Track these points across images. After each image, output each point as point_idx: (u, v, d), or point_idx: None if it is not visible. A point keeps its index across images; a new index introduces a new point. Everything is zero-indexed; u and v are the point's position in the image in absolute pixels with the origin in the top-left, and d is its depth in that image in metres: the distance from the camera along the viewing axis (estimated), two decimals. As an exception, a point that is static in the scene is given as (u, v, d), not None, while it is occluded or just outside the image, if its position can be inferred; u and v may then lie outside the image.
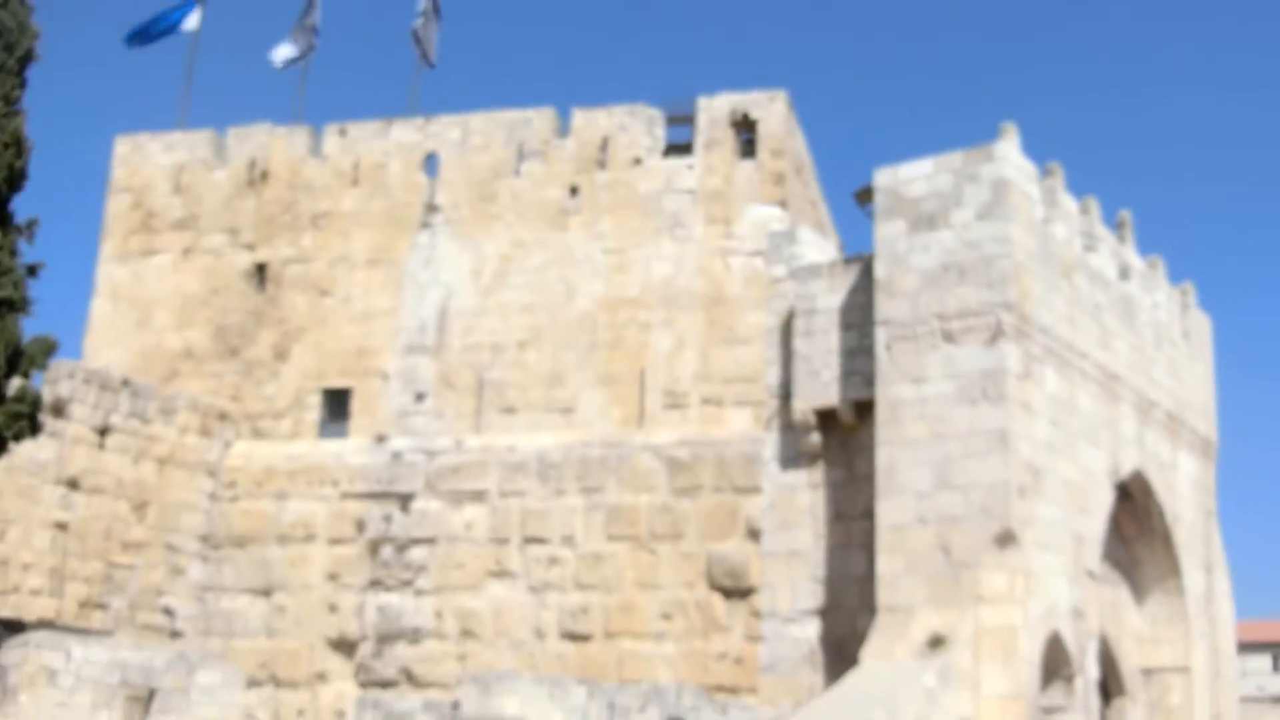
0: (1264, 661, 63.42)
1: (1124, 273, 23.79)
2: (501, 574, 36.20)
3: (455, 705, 26.77)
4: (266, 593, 37.59)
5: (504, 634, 35.60)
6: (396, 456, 37.74)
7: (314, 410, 39.40)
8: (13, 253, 23.09)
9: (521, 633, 35.51)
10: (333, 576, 37.31)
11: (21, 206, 23.71)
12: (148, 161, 42.89)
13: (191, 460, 38.09)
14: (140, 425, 36.92)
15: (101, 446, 35.97)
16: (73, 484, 35.13)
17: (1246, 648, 49.51)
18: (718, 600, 34.34)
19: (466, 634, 35.93)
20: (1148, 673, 24.14)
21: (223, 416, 39.22)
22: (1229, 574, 26.72)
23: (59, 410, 34.23)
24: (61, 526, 34.72)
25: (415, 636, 36.29)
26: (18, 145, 23.23)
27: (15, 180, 23.40)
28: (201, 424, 38.57)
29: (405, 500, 37.30)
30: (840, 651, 20.60)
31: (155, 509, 37.02)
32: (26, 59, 23.78)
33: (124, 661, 23.94)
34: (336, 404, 39.33)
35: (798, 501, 22.17)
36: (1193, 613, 24.44)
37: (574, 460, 36.36)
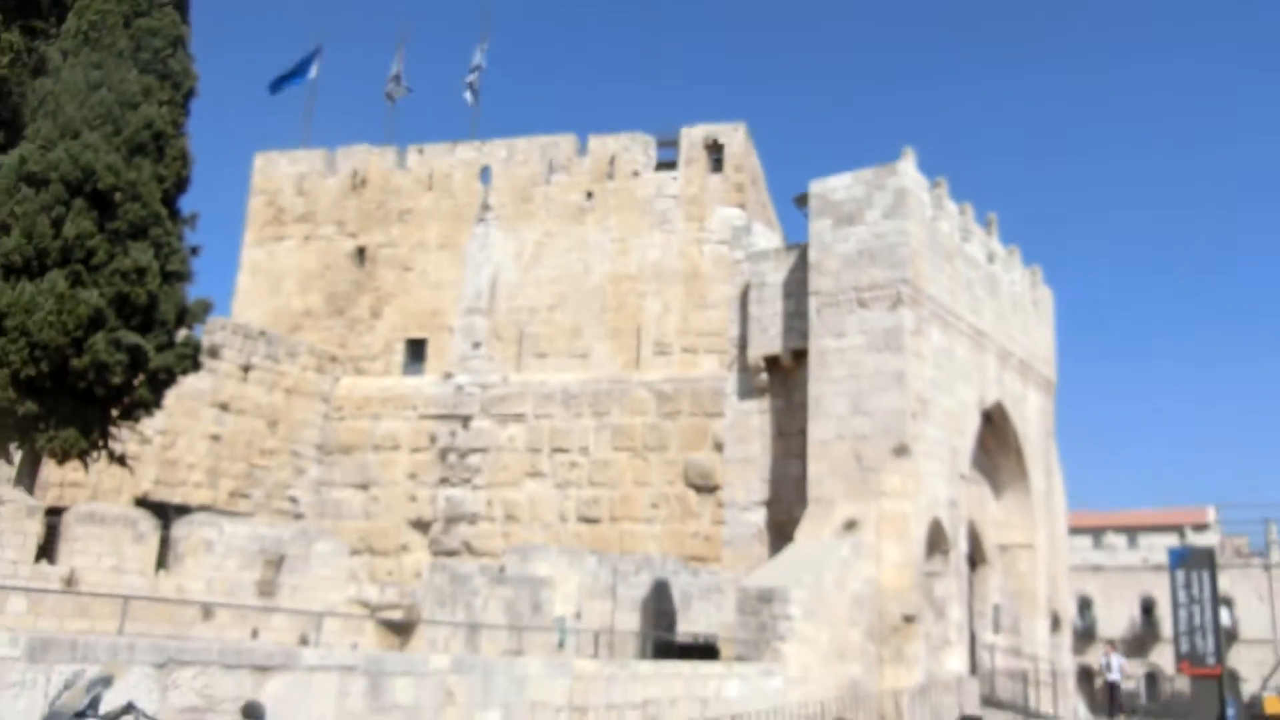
0: (1086, 541, 63.65)
1: (990, 258, 23.69)
2: (535, 474, 36.33)
3: (501, 568, 26.95)
4: (365, 487, 37.71)
5: (537, 518, 35.77)
6: (459, 388, 37.79)
7: (399, 355, 39.43)
8: (180, 238, 23.02)
9: (549, 517, 35.67)
10: (413, 475, 37.43)
11: (185, 204, 23.68)
12: (278, 171, 42.68)
13: (310, 390, 38.11)
14: (273, 364, 36.91)
15: (245, 380, 35.99)
16: (224, 407, 35.18)
17: (1074, 531, 49.76)
18: (692, 494, 34.50)
19: (510, 518, 36.10)
20: (1003, 548, 24.25)
21: (333, 359, 39.20)
22: (1062, 477, 26.80)
23: (214, 353, 34.21)
24: (216, 438, 34.79)
25: (472, 519, 36.47)
26: (183, 159, 23.13)
27: (182, 185, 23.33)
28: (317, 364, 38.57)
29: (465, 420, 37.36)
30: (780, 531, 20.67)
31: (284, 425, 37.08)
32: (189, 95, 23.63)
33: (262, 535, 24.06)
34: (416, 350, 39.37)
35: (751, 423, 22.18)
36: (1036, 505, 24.53)
37: (588, 392, 36.42)
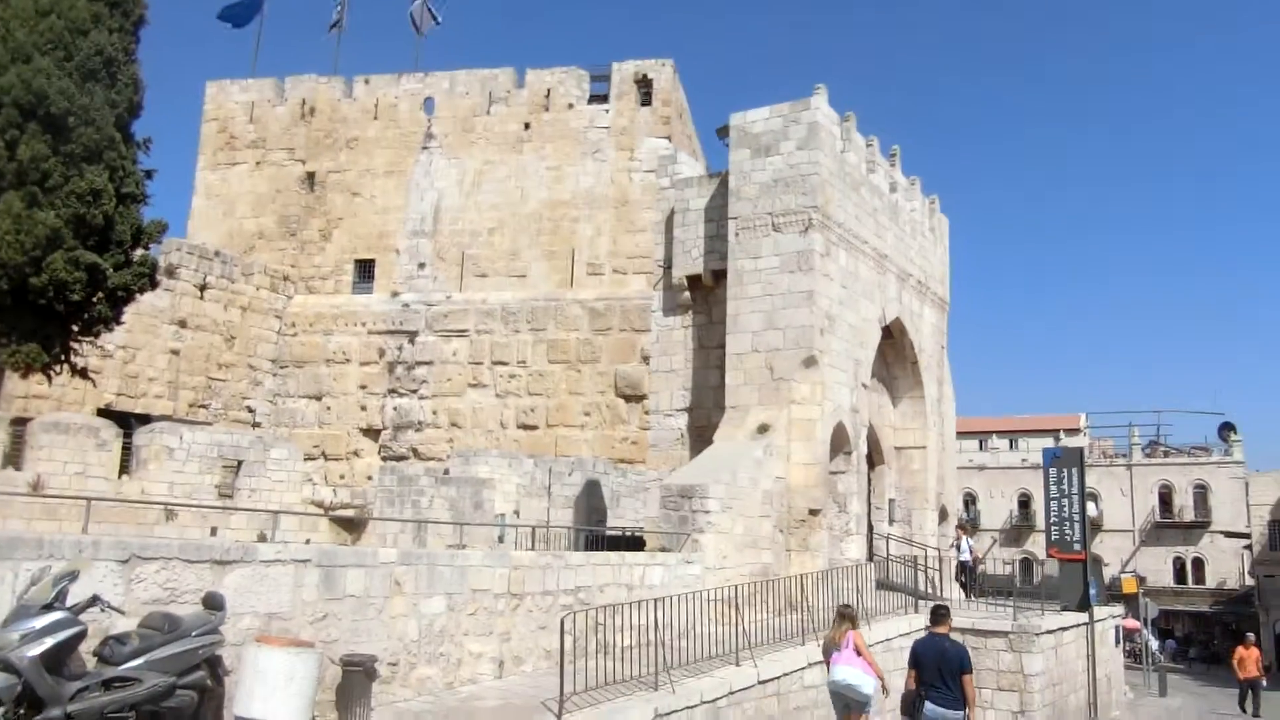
0: (973, 443, 65.45)
1: (893, 187, 23.80)
2: (477, 385, 36.20)
3: (446, 471, 26.96)
4: (318, 397, 37.29)
5: (479, 425, 35.74)
6: (406, 306, 37.31)
7: (349, 274, 38.71)
8: (134, 161, 22.15)
9: (490, 424, 35.67)
10: (363, 386, 37.09)
11: (138, 129, 22.74)
12: (229, 99, 41.16)
13: (264, 308, 37.34)
14: (229, 283, 36.04)
15: (202, 298, 35.13)
16: (182, 323, 34.35)
17: (962, 434, 51.13)
18: (621, 403, 34.69)
19: (453, 425, 36.02)
20: (898, 449, 24.82)
21: (286, 278, 38.37)
22: (953, 386, 27.39)
23: (171, 272, 33.28)
24: (175, 352, 34.03)
25: (419, 427, 36.32)
26: (135, 85, 22.14)
27: (134, 110, 22.36)
28: (271, 283, 37.73)
29: (412, 336, 36.98)
30: (700, 435, 20.91)
31: (240, 341, 36.36)
32: (139, 23, 22.54)
33: (220, 441, 23.72)
34: (364, 270, 38.66)
35: (674, 337, 22.25)
36: (929, 411, 25.07)
37: (526, 309, 36.21)
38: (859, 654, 10.63)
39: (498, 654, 12.85)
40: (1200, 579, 55.56)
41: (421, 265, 37.86)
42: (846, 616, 11.13)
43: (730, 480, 17.49)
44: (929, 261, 25.73)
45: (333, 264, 38.76)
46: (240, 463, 23.21)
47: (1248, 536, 53.30)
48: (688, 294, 22.02)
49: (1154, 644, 32.82)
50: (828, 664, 10.68)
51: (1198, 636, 54.55)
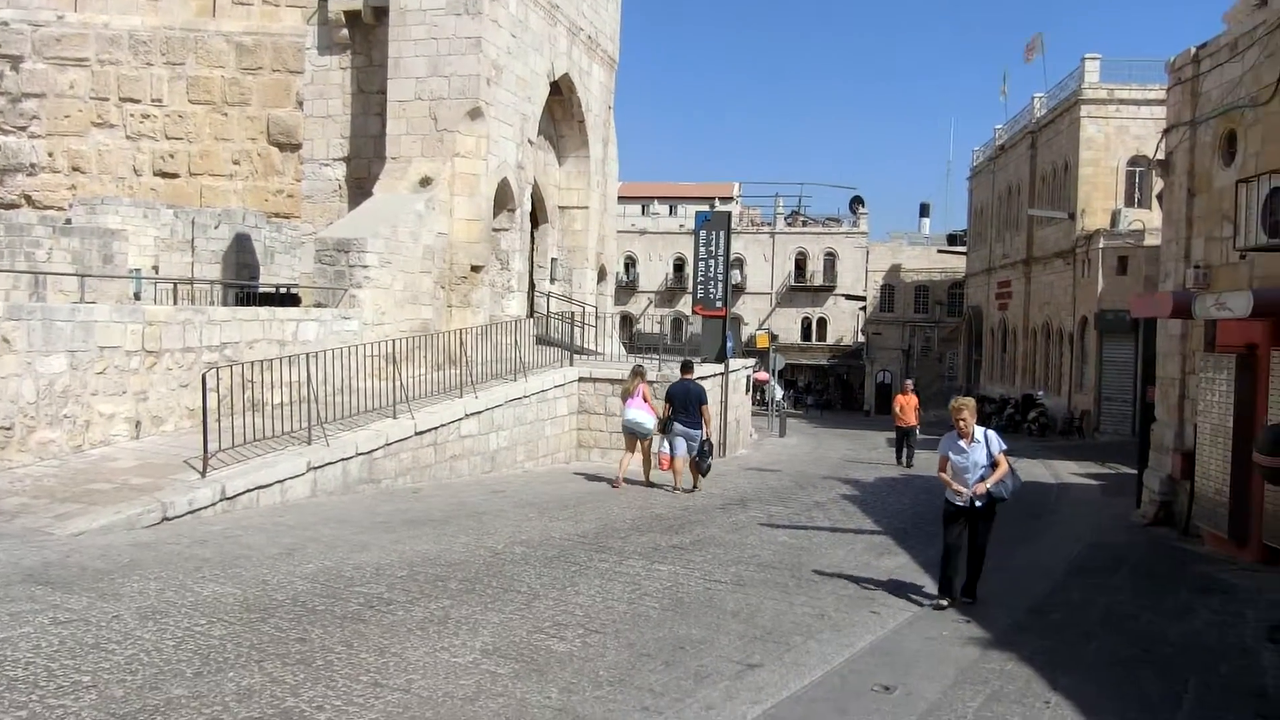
0: (636, 208, 67.87)
1: (568, -66, 22.86)
2: (103, 125, 32.05)
3: (68, 220, 24.11)
4: (-105, 129, 31.43)
5: (107, 171, 31.94)
6: (5, 25, 31.68)
7: (-76, -20, 31.98)
8: None
9: (122, 170, 31.98)
10: (-46, 119, 31.65)
11: None
12: None
13: None
14: None
15: None
16: None
17: (627, 199, 52.79)
18: (275, 152, 32.21)
19: (75, 170, 31.94)
20: (562, 209, 25.18)
21: None
22: (617, 148, 27.86)
23: None
24: None
25: (32, 170, 31.89)
26: None
27: None
28: None
29: (15, 61, 31.68)
30: (359, 187, 20.05)
31: None
32: None
33: None
34: (-55, -24, 32.07)
35: (332, 79, 20.73)
36: (593, 172, 25.46)
37: (160, 39, 32.01)
38: (645, 400, 14.41)
39: (133, 414, 12.09)
40: (823, 336, 62.63)
41: (22, -24, 32.01)
42: (638, 373, 14.81)
43: (390, 234, 17.03)
44: (600, 17, 25.35)
45: (-100, -35, 31.82)
46: None
47: (864, 299, 60.33)
48: (346, 31, 20.42)
49: (778, 393, 36.74)
50: (624, 406, 14.60)
51: (815, 386, 62.08)
